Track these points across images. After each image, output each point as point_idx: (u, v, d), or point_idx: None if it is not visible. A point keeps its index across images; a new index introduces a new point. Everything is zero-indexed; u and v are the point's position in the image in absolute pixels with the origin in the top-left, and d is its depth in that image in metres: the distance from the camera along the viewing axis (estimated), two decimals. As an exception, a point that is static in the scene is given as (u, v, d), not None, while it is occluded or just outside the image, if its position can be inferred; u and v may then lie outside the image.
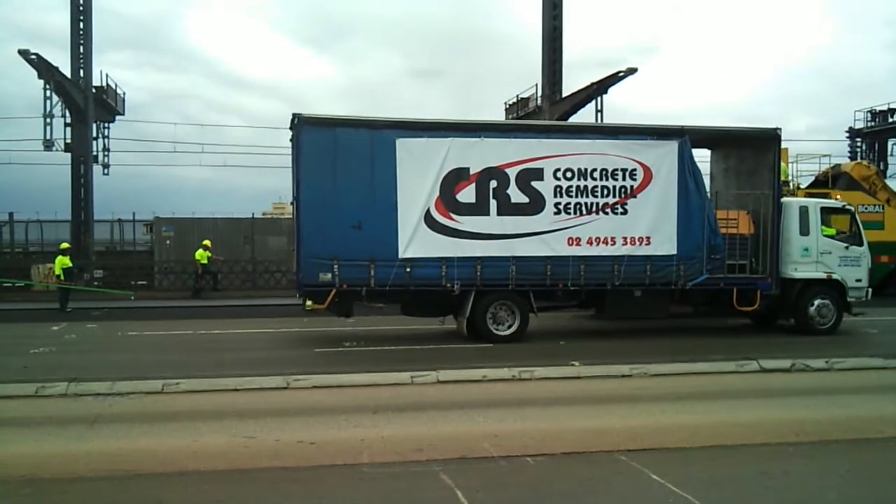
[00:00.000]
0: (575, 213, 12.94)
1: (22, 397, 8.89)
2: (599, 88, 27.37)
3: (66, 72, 26.37)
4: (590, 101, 27.93)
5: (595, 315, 15.05)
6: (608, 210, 13.04)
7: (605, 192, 13.02)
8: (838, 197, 19.83)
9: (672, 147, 13.22)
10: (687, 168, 13.23)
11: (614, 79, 26.89)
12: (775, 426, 7.61)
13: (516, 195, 12.77)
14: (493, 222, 12.72)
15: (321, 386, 9.49)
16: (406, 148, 12.49)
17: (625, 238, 13.05)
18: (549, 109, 28.59)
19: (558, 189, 12.90)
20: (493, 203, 12.72)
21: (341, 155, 12.36)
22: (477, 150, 12.72)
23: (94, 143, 29.12)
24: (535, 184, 12.83)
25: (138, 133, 45.78)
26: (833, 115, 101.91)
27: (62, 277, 19.62)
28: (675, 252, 13.17)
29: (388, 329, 15.25)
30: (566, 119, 27.25)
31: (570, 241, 12.92)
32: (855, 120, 34.98)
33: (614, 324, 14.91)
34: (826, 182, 22.53)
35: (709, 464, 6.46)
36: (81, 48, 26.68)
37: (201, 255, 23.61)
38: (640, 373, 10.23)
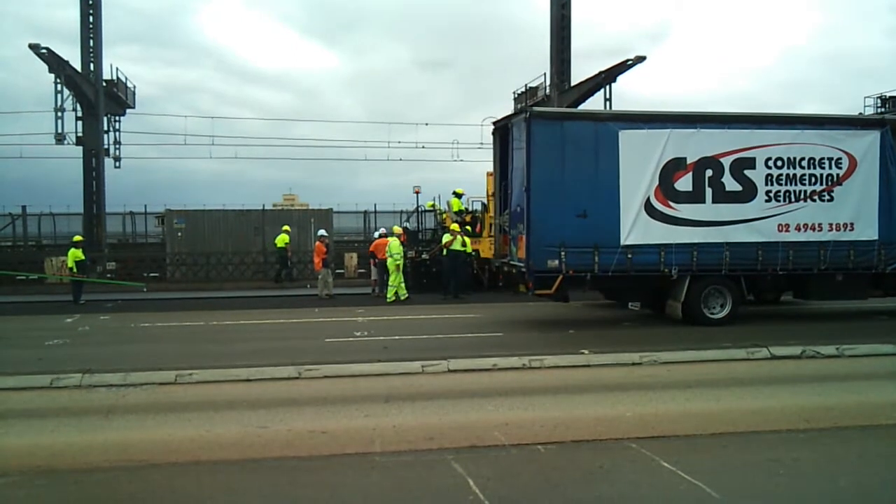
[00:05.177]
0: (785, 200, 13.39)
1: (37, 389, 8.99)
2: (608, 77, 27.28)
3: (77, 66, 26.53)
4: (599, 90, 27.84)
5: (794, 298, 15.50)
6: (815, 197, 13.48)
7: (813, 180, 13.46)
8: None
9: (875, 136, 13.66)
10: (888, 156, 13.65)
11: (623, 67, 26.77)
12: (786, 413, 7.60)
13: (730, 183, 13.21)
14: (708, 210, 13.18)
15: (332, 376, 9.52)
16: (628, 139, 12.93)
17: (831, 224, 13.51)
18: (558, 98, 28.45)
19: (769, 177, 13.31)
20: (708, 191, 13.18)
21: (568, 147, 12.85)
22: (693, 140, 13.15)
23: (106, 136, 29.29)
24: (747, 172, 13.26)
25: (149, 126, 46.01)
26: (842, 101, 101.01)
27: (75, 270, 19.75)
28: (876, 237, 13.65)
29: (398, 319, 15.32)
30: (575, 107, 27.15)
31: (780, 228, 13.38)
32: (864, 106, 34.53)
33: (624, 312, 14.96)
34: None
35: (719, 451, 6.47)
36: (91, 42, 26.82)
37: (283, 239, 23.93)
38: (649, 361, 10.23)
